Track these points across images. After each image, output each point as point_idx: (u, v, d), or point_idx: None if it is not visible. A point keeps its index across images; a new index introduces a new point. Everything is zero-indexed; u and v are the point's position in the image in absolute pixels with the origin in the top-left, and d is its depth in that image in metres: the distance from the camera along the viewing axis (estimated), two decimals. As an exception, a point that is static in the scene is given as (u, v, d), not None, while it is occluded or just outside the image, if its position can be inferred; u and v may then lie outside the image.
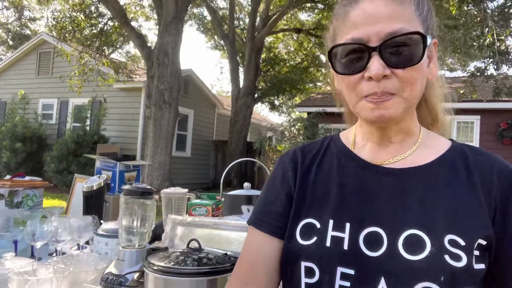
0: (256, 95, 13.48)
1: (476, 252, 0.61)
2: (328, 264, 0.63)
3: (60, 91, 11.71)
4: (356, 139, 0.75)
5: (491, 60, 6.61)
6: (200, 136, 12.90)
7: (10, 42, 24.45)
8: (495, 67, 6.53)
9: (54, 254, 1.54)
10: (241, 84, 12.64)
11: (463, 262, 0.59)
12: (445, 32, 10.02)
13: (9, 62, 12.88)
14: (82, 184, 2.24)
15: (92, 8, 10.11)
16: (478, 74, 7.07)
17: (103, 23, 10.35)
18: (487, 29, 5.88)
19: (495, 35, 5.83)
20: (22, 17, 24.60)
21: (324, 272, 0.63)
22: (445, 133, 0.78)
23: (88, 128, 10.22)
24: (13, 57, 12.84)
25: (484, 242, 0.61)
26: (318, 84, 16.48)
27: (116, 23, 9.94)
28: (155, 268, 0.96)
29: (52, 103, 12.04)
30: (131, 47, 22.08)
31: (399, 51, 0.61)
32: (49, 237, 1.40)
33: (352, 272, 0.62)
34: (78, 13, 10.03)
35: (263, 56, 14.00)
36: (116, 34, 10.66)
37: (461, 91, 7.91)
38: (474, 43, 6.67)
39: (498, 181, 0.65)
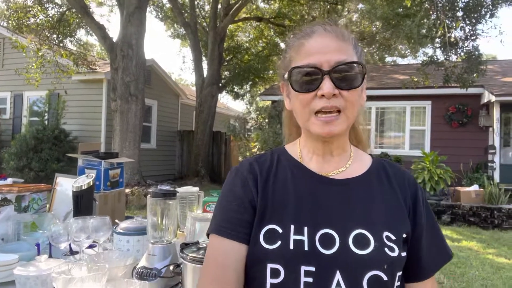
0: (220, 84, 13.50)
1: (401, 244, 0.78)
2: (293, 264, 0.72)
3: (13, 83, 11.10)
4: (302, 153, 0.87)
5: (442, 50, 7.13)
6: (164, 127, 12.78)
7: None
8: (446, 57, 7.06)
9: (69, 254, 1.63)
10: (205, 73, 12.60)
11: (396, 253, 0.75)
12: (397, 20, 10.58)
13: (-48, 54, 11.97)
14: (59, 183, 2.29)
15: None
16: (430, 62, 7.59)
17: (60, 13, 9.86)
18: (438, 21, 6.34)
19: (446, 28, 6.30)
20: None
21: (290, 271, 0.72)
22: (366, 149, 0.97)
23: (46, 122, 9.81)
24: (-44, 48, 11.93)
25: (405, 236, 0.79)
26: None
27: (74, 13, 9.53)
28: (192, 259, 1.12)
29: (4, 96, 11.39)
30: (82, 35, 21.07)
31: (345, 76, 0.76)
32: (71, 238, 1.49)
33: (313, 269, 0.71)
34: (33, 3, 9.49)
35: (225, 44, 13.99)
36: (75, 24, 10.21)
37: (415, 79, 8.46)
38: (427, 34, 7.15)
39: (409, 189, 0.85)
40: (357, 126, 0.94)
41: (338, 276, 0.71)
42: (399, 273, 0.77)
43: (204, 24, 14.96)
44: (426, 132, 10.14)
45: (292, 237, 0.74)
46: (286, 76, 0.81)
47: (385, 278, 0.72)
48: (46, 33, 9.73)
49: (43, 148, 9.06)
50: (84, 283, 1.18)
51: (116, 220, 1.67)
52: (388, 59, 21.19)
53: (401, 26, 8.18)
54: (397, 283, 0.76)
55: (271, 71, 16.02)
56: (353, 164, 0.86)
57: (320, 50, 0.77)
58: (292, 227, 0.75)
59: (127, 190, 7.34)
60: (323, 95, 0.75)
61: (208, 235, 0.83)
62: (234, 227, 0.78)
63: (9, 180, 2.43)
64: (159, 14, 16.16)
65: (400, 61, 21.67)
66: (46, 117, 9.84)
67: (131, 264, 1.35)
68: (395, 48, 17.52)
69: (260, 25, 15.92)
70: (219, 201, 0.85)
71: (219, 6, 12.84)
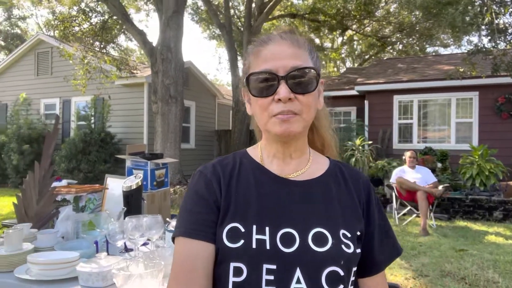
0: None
1: (356, 241, 0.81)
2: (255, 263, 0.74)
3: (61, 90, 11.76)
4: (263, 156, 0.90)
5: (490, 37, 6.73)
6: (202, 127, 13.03)
7: (2, 43, 24.23)
8: (494, 45, 6.66)
9: (124, 251, 1.70)
10: (240, 73, 12.68)
11: (351, 249, 0.79)
12: (439, 9, 10.13)
13: (7, 64, 12.86)
14: (107, 183, 2.39)
15: (91, 5, 10.06)
16: (477, 51, 7.19)
17: (102, 20, 10.33)
18: (485, 8, 5.99)
19: (493, 14, 5.94)
20: (12, 16, 24.30)
21: (252, 269, 0.74)
22: (333, 153, 0.99)
23: (93, 126, 10.31)
24: (10, 59, 12.80)
25: (359, 233, 0.84)
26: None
27: (115, 20, 9.93)
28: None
29: (54, 103, 12.09)
30: (122, 40, 21.90)
31: (300, 81, 0.79)
32: (127, 236, 1.56)
33: (274, 267, 0.74)
34: (78, 12, 10.00)
35: (260, 43, 14.00)
36: (116, 30, 10.64)
37: (461, 69, 8.04)
38: (473, 21, 6.78)
39: (363, 190, 0.89)
40: (322, 131, 0.97)
41: (298, 273, 0.74)
42: (354, 268, 0.81)
43: (239, 24, 15.06)
44: (474, 124, 9.62)
45: (255, 236, 0.76)
46: (244, 81, 0.84)
47: (342, 273, 0.76)
48: (90, 40, 10.21)
49: (91, 151, 9.53)
50: (143, 279, 1.22)
51: (167, 219, 1.72)
52: (429, 49, 20.33)
53: (443, 15, 7.82)
54: (352, 278, 0.80)
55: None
56: (311, 166, 0.89)
57: (276, 56, 0.80)
58: (254, 227, 0.78)
59: (172, 190, 7.55)
60: (280, 100, 0.78)
61: (173, 239, 0.83)
62: (202, 227, 0.79)
63: (64, 182, 2.56)
64: (194, 17, 16.48)
65: (442, 51, 20.73)
66: (92, 121, 10.34)
67: (184, 262, 1.38)
68: (437, 38, 16.77)
69: (295, 22, 15.81)
70: (184, 204, 0.85)
71: (253, 5, 12.88)
